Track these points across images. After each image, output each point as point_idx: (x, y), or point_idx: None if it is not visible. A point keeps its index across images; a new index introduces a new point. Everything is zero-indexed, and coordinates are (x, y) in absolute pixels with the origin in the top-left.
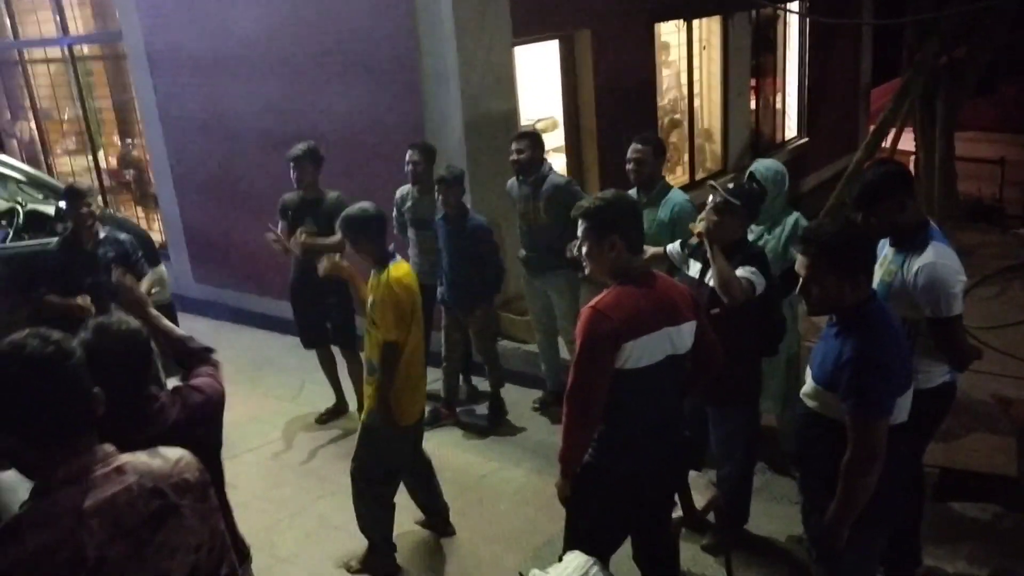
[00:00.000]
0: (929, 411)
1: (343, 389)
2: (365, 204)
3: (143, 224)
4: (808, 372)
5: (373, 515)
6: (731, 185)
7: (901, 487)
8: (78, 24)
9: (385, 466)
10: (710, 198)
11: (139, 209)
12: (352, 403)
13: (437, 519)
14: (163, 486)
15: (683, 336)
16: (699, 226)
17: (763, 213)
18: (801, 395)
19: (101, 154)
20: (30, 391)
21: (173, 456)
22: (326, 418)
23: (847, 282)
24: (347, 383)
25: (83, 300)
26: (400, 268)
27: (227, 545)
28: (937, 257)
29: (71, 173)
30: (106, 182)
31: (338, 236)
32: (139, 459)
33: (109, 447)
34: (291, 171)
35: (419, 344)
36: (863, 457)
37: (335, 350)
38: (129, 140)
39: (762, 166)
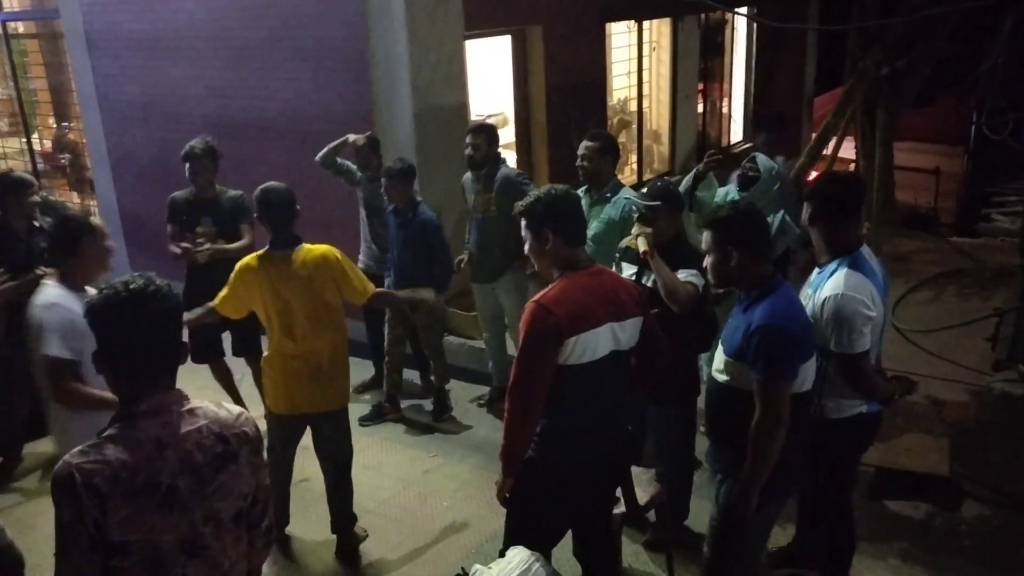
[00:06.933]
0: (840, 442)
1: (243, 399)
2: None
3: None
4: (719, 349)
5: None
6: (644, 191)
7: (800, 457)
8: (12, 0)
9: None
10: (633, 213)
11: (75, 194)
12: (255, 410)
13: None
14: (227, 434)
15: (627, 332)
16: (640, 244)
17: (756, 195)
18: (712, 373)
19: (35, 136)
20: (128, 321)
21: (235, 410)
22: None
23: (741, 252)
24: (252, 392)
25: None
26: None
27: (270, 500)
28: (846, 288)
29: (3, 156)
30: (40, 166)
31: (245, 240)
32: (208, 407)
33: (183, 392)
34: (186, 169)
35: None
36: (769, 419)
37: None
38: (65, 123)
39: (763, 157)
